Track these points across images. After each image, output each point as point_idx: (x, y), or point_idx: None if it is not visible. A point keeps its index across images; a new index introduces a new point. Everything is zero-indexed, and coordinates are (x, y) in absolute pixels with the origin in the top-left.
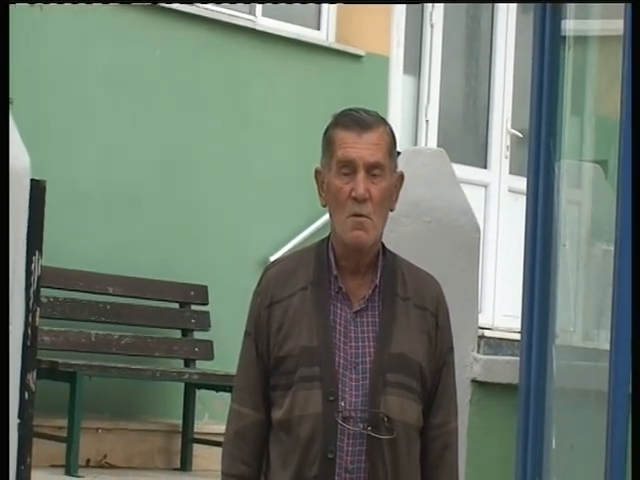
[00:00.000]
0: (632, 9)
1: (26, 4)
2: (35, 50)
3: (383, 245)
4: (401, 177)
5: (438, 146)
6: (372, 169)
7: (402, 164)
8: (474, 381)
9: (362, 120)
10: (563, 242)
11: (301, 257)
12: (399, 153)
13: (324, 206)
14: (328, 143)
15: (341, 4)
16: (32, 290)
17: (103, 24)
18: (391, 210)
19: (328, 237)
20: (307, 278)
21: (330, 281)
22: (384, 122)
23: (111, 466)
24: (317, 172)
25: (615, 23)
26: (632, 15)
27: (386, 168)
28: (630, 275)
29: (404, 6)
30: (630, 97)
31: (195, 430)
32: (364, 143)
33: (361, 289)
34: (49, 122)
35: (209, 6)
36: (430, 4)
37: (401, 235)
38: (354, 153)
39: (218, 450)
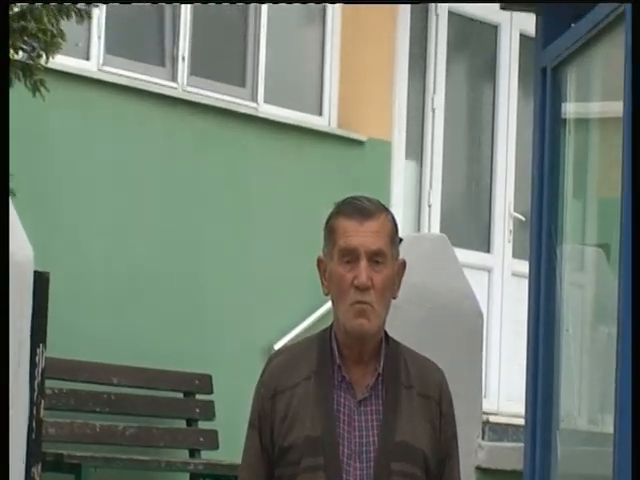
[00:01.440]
0: (632, 9)
1: (29, 95)
2: (38, 143)
3: (386, 333)
4: (403, 264)
5: (441, 230)
6: (374, 257)
7: (404, 250)
8: (478, 468)
9: (364, 208)
10: (566, 327)
11: (304, 346)
12: (401, 240)
13: (327, 294)
14: (330, 232)
15: (344, 90)
16: (36, 382)
17: (106, 115)
18: (393, 297)
19: (331, 326)
20: (310, 368)
21: (333, 370)
22: (386, 210)
23: None
24: (319, 261)
25: (615, 105)
26: (632, 15)
27: (388, 256)
28: (630, 358)
29: (405, 91)
30: (629, 176)
31: None
32: (366, 231)
33: (364, 378)
34: (53, 214)
35: (211, 93)
36: (431, 88)
37: (404, 321)
38: (356, 241)
39: None
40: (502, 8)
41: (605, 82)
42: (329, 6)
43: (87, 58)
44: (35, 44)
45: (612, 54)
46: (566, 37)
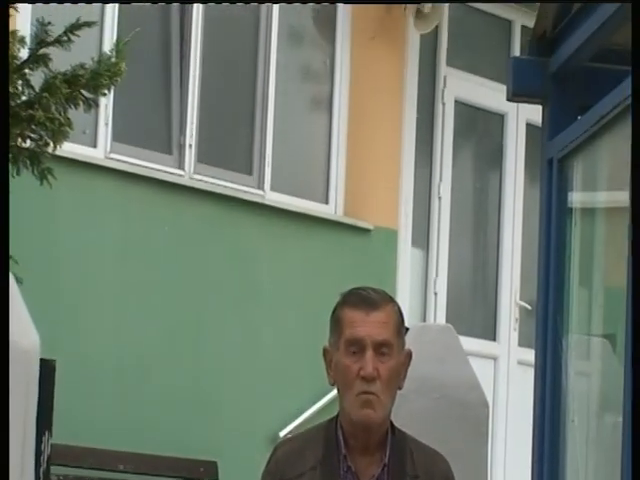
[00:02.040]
0: (632, 9)
1: (36, 183)
2: (45, 227)
3: (391, 423)
4: (409, 355)
5: (447, 318)
6: (380, 347)
7: (410, 340)
8: None
9: (370, 299)
10: (572, 418)
11: (310, 436)
12: (407, 329)
13: (332, 384)
14: (336, 322)
15: (350, 178)
16: (42, 470)
17: (112, 200)
18: (399, 388)
19: (337, 416)
20: (316, 457)
21: (339, 460)
22: (392, 300)
23: None
24: (325, 351)
25: (621, 195)
26: (632, 15)
27: (394, 346)
28: (630, 449)
29: (412, 179)
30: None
31: None
32: (372, 322)
33: (370, 468)
34: (59, 299)
35: (218, 181)
36: (438, 176)
37: (409, 412)
38: (362, 332)
39: None
40: (509, 100)
41: (611, 172)
42: (336, 92)
43: (94, 145)
44: (43, 133)
45: (618, 146)
46: (572, 129)
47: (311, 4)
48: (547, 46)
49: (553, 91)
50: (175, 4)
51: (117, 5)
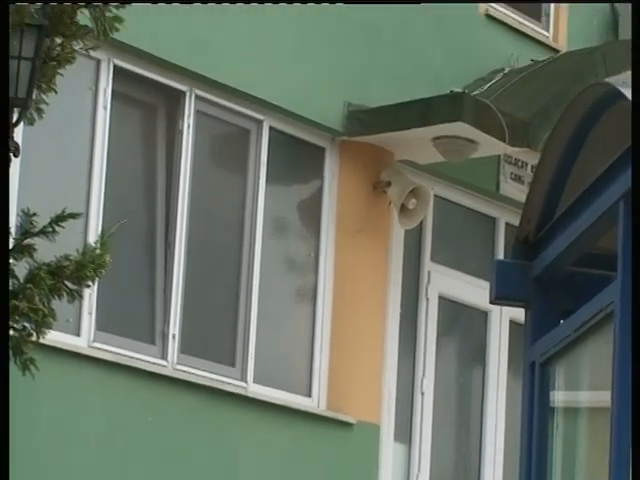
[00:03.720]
0: (632, 9)
1: (19, 371)
2: (27, 415)
3: None
4: None
5: None
6: None
7: None
8: None
9: None
10: None
11: None
12: None
13: None
14: None
15: (334, 371)
16: None
17: (95, 389)
18: None
19: None
20: None
21: None
22: None
23: None
24: None
25: (603, 395)
26: (632, 15)
27: None
28: None
29: (395, 374)
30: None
31: None
32: None
33: None
34: None
35: (200, 372)
36: (421, 371)
37: None
38: None
39: None
40: (492, 302)
41: (594, 373)
42: (321, 284)
43: (78, 334)
44: (26, 323)
45: (601, 350)
46: (555, 334)
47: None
48: (530, 250)
49: (536, 295)
50: (160, 195)
51: (102, 195)
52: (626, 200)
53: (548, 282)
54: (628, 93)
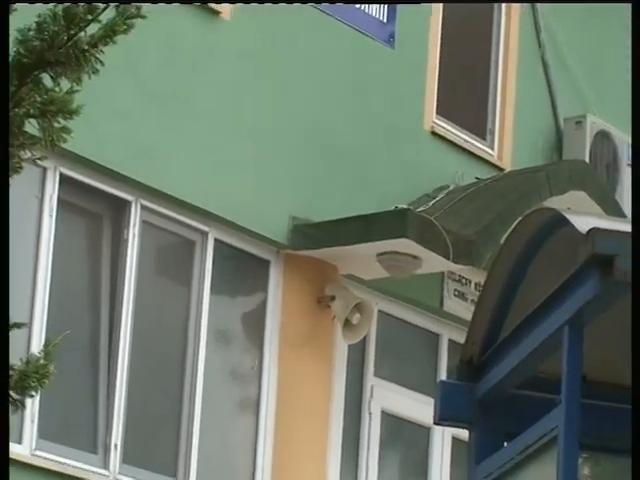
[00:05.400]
0: (632, 9)
1: None
2: None
3: None
4: None
5: None
6: None
7: None
8: None
9: None
10: None
11: None
12: None
13: None
14: None
15: None
16: None
17: None
18: None
19: None
20: None
21: None
22: None
23: None
24: None
25: None
26: (632, 15)
27: None
28: None
29: None
30: None
31: None
32: None
33: None
34: None
35: None
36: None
37: None
38: None
39: None
40: (435, 423)
41: None
42: (264, 395)
43: (19, 441)
44: None
45: (545, 474)
46: (498, 456)
47: None
48: (474, 372)
49: (479, 416)
50: (104, 304)
51: (47, 303)
52: (571, 325)
53: (492, 404)
54: (573, 219)
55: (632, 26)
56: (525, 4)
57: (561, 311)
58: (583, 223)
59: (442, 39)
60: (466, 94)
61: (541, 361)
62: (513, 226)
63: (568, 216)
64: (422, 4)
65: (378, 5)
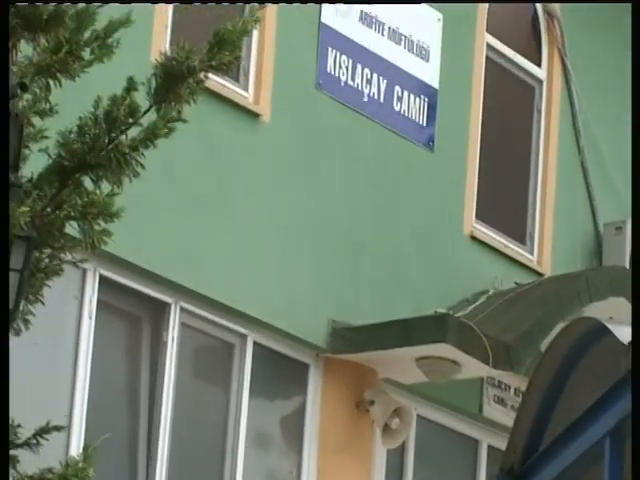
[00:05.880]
0: (632, 9)
1: None
2: None
3: None
4: None
5: None
6: None
7: None
8: None
9: None
10: None
11: None
12: None
13: None
14: None
15: None
16: None
17: None
18: None
19: None
20: None
21: None
22: None
23: None
24: None
25: None
26: (632, 15)
27: None
28: None
29: None
30: None
31: None
32: None
33: None
34: None
35: None
36: None
37: None
38: None
39: None
40: None
41: None
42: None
43: None
44: None
45: None
46: None
47: None
48: None
49: None
50: (143, 406)
51: (85, 405)
52: (612, 436)
53: None
54: (614, 329)
55: (632, 26)
56: (565, 107)
57: (602, 422)
58: (624, 333)
59: (481, 143)
60: (505, 198)
61: (582, 472)
62: (554, 334)
63: (610, 326)
64: (460, 115)
65: (417, 108)
